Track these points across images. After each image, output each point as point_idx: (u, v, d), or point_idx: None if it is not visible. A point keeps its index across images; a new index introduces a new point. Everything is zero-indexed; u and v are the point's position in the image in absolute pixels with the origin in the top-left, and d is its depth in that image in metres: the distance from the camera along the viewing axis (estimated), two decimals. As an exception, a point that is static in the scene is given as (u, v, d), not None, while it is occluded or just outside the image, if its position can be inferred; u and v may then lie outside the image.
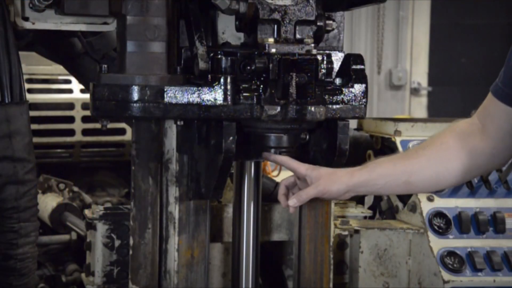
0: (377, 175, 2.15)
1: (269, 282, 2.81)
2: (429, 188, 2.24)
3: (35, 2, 2.27)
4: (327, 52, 2.27)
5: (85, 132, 4.04)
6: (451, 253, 2.72)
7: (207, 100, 2.09)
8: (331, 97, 2.18)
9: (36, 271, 2.72)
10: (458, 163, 2.09)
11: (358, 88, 2.21)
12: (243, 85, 2.11)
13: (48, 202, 3.58)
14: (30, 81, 3.97)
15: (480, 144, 2.06)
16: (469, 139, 2.08)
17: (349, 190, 2.16)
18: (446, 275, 2.67)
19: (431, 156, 2.12)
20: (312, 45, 2.12)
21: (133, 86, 2.07)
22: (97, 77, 2.11)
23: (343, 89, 2.20)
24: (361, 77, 2.21)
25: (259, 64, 2.08)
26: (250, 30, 2.19)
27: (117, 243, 2.50)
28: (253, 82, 2.12)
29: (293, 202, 2.18)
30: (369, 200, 3.24)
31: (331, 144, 2.23)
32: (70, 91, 4.06)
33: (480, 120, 2.08)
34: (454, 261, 2.71)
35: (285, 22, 2.14)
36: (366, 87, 2.22)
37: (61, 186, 3.77)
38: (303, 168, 2.19)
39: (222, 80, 2.08)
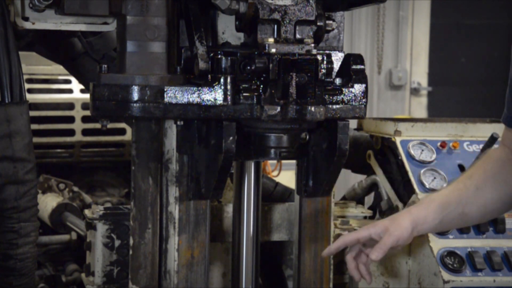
0: (433, 209, 2.17)
1: (269, 282, 2.81)
2: (482, 217, 2.26)
3: (35, 2, 2.27)
4: (327, 52, 2.27)
5: (85, 132, 4.03)
6: (451, 253, 2.72)
7: (207, 100, 2.09)
8: (331, 97, 2.18)
9: (36, 271, 2.71)
10: (505, 190, 2.14)
11: (358, 88, 2.21)
12: (243, 85, 2.11)
13: (48, 202, 3.58)
14: (30, 81, 3.97)
15: None
16: (508, 165, 2.13)
17: (413, 227, 2.15)
18: (446, 275, 2.67)
19: (478, 185, 2.16)
20: (312, 45, 2.12)
21: (133, 86, 2.07)
22: (97, 77, 2.11)
23: (343, 89, 2.20)
24: (361, 77, 2.21)
25: (259, 64, 2.08)
26: (250, 30, 2.18)
27: (117, 243, 2.50)
28: (253, 82, 2.12)
29: (376, 255, 2.12)
30: (369, 200, 3.24)
31: (331, 144, 2.23)
32: (70, 91, 4.06)
33: (508, 146, 2.13)
34: (454, 261, 2.71)
35: (285, 22, 2.14)
36: (366, 87, 2.22)
37: (61, 186, 3.77)
38: (364, 231, 2.18)
39: (222, 80, 2.08)
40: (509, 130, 2.14)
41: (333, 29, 2.29)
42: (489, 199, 2.16)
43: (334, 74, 2.23)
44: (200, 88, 2.09)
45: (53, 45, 2.77)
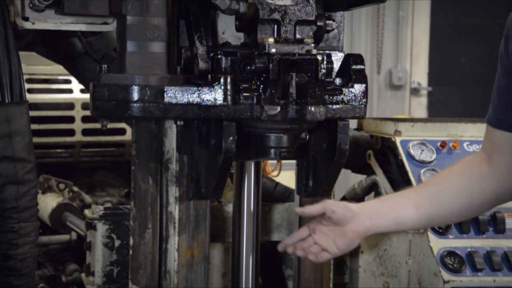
0: (388, 205, 2.15)
1: (269, 282, 2.81)
2: (442, 219, 2.21)
3: (35, 2, 2.27)
4: (327, 52, 2.27)
5: (85, 132, 4.04)
6: (451, 253, 2.72)
7: (207, 100, 2.09)
8: (331, 97, 2.18)
9: (36, 271, 2.72)
10: (465, 192, 2.09)
11: (358, 88, 2.21)
12: (243, 85, 2.11)
13: (48, 202, 3.58)
14: (30, 81, 3.97)
15: (486, 171, 2.07)
16: (477, 167, 2.09)
17: (359, 212, 2.10)
18: (446, 275, 2.67)
19: (439, 185, 2.13)
20: (312, 45, 2.12)
21: (133, 86, 2.07)
22: (97, 77, 2.11)
23: (343, 89, 2.20)
24: (361, 77, 2.21)
25: (259, 64, 2.08)
26: (250, 30, 2.18)
27: (117, 243, 2.50)
28: (253, 82, 2.12)
29: (298, 209, 2.16)
30: (369, 200, 3.24)
31: (331, 144, 2.23)
32: (70, 91, 4.06)
33: (486, 151, 2.10)
34: (454, 261, 2.71)
35: (285, 22, 2.14)
36: (366, 87, 2.22)
37: (61, 186, 3.77)
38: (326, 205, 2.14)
39: (222, 80, 2.08)
40: (493, 132, 2.07)
41: (333, 29, 2.29)
42: (444, 202, 2.10)
43: (334, 74, 2.23)
44: (200, 88, 2.09)
45: (53, 45, 2.77)
